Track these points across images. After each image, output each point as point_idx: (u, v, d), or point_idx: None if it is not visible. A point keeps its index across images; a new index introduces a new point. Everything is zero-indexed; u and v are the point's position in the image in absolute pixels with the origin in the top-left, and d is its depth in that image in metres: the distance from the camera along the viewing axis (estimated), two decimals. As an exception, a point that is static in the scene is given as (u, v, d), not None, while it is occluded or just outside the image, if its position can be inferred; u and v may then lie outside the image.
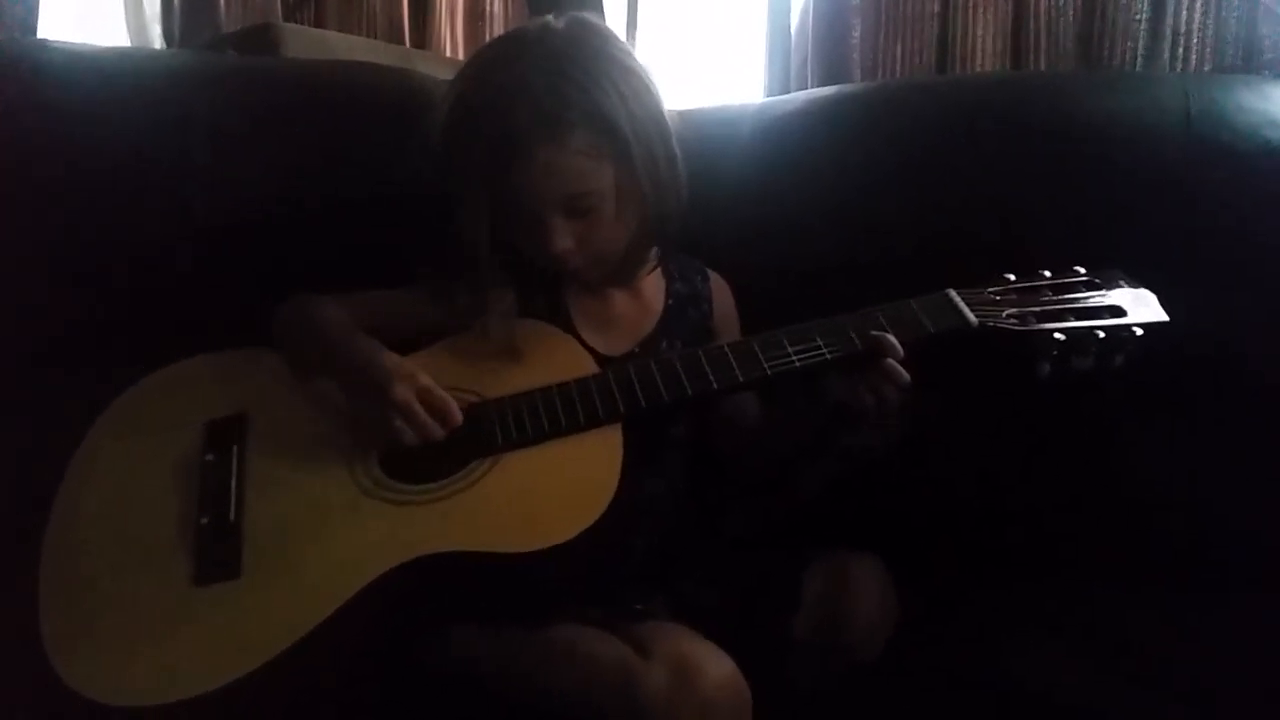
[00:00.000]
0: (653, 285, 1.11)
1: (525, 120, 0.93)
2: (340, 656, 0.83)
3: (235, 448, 0.94)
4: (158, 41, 1.91)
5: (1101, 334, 0.90)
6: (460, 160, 0.97)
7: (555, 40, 0.98)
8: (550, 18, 1.01)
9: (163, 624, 0.83)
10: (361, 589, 0.83)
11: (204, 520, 0.89)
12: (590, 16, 1.04)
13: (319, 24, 1.91)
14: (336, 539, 0.87)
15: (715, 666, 0.82)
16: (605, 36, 1.01)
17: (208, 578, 0.85)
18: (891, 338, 0.90)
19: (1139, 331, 0.90)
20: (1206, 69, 1.40)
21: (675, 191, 1.02)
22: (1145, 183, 1.14)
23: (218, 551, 0.87)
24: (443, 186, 0.99)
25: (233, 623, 0.83)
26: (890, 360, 0.90)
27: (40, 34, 1.52)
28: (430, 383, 0.91)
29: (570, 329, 1.03)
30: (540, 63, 0.95)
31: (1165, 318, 0.92)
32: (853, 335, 0.92)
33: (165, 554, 0.87)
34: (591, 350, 1.00)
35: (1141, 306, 0.93)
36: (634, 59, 1.01)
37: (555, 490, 0.89)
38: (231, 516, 0.89)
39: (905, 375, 0.89)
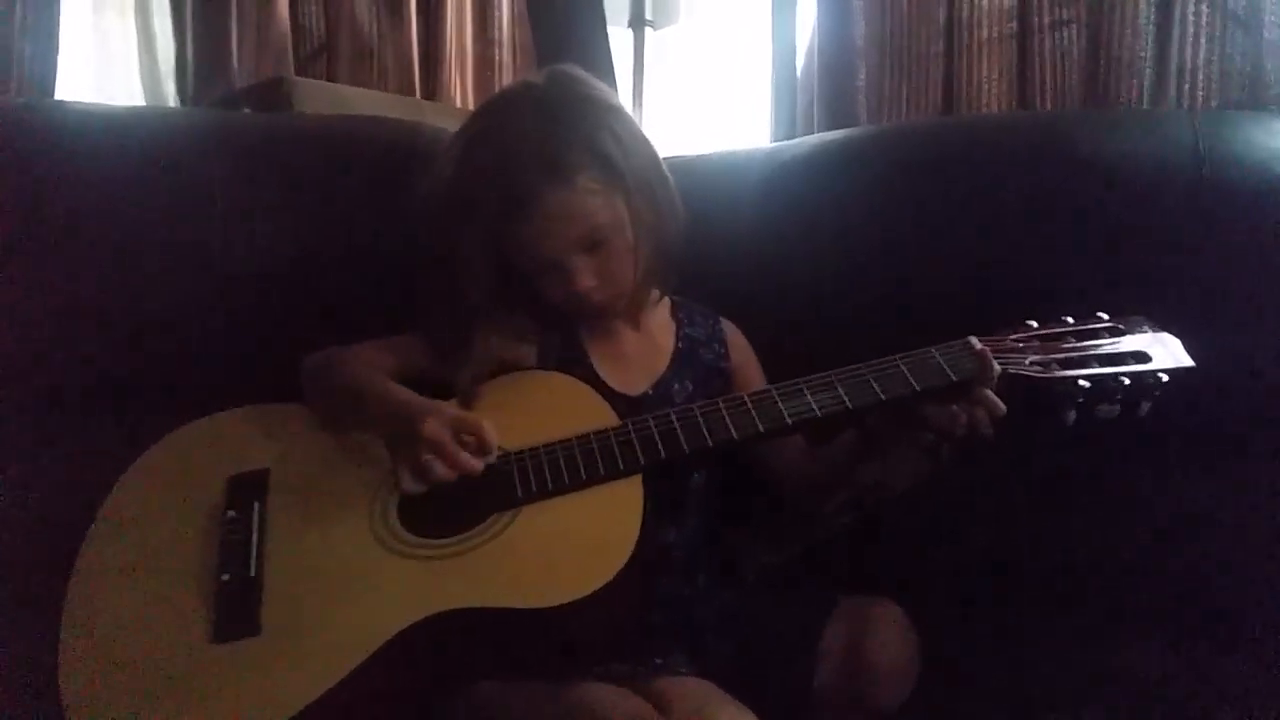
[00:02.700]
0: (663, 328, 1.13)
1: (532, 172, 0.97)
2: (360, 713, 0.82)
3: (256, 504, 0.94)
4: (172, 98, 1.95)
5: (1126, 380, 0.88)
6: (468, 222, 1.00)
7: (541, 93, 1.03)
8: (530, 75, 1.08)
9: (181, 682, 0.83)
10: (381, 645, 0.82)
11: (225, 577, 0.88)
12: (567, 66, 1.08)
13: (330, 78, 1.94)
14: (357, 595, 0.87)
15: None
16: (586, 81, 1.06)
17: (227, 635, 0.85)
18: (995, 362, 0.90)
19: (1164, 378, 0.89)
20: (1212, 105, 1.39)
21: (674, 215, 1.07)
22: (1156, 220, 1.14)
23: (237, 608, 0.86)
24: (444, 245, 1.02)
25: (252, 680, 0.82)
26: (986, 390, 0.89)
27: (58, 92, 1.55)
28: (461, 410, 0.92)
29: (588, 368, 1.05)
30: (533, 115, 1.00)
31: (1190, 363, 0.90)
32: (874, 384, 0.92)
33: (186, 610, 0.87)
34: (610, 389, 1.02)
35: (1166, 352, 0.91)
36: (615, 97, 1.07)
37: (576, 544, 0.88)
38: (252, 572, 0.89)
39: (1000, 405, 0.89)
